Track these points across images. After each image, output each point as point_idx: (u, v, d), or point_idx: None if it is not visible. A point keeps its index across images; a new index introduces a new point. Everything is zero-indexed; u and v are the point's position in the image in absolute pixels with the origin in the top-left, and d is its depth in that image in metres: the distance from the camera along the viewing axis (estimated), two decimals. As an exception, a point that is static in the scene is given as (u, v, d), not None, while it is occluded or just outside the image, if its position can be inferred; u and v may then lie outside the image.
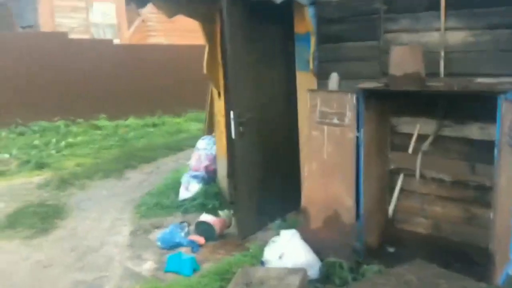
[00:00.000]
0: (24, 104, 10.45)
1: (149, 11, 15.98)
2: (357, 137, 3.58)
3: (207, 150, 5.93)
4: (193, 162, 6.03)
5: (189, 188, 5.79)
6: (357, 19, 3.97)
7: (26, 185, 7.06)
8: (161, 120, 12.41)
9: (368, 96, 3.56)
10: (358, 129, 3.58)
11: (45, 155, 8.55)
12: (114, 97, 11.85)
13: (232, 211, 4.96)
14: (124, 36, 14.54)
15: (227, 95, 4.14)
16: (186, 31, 17.84)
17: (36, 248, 4.77)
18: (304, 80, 4.70)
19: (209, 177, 5.88)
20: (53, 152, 8.85)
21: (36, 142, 9.35)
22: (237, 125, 4.18)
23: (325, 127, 3.79)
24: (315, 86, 4.57)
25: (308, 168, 3.92)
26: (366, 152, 3.61)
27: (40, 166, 7.87)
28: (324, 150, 3.80)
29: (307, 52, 4.60)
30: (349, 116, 3.61)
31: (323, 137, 3.81)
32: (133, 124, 11.72)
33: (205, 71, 5.40)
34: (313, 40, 4.34)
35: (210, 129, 6.42)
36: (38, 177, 7.43)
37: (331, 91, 3.82)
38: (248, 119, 4.27)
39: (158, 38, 16.82)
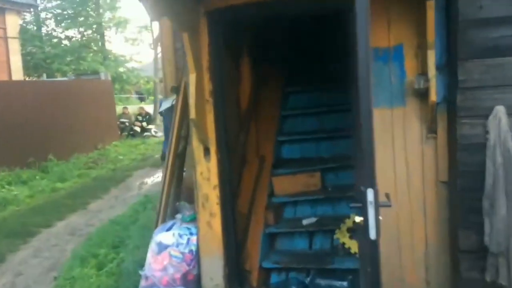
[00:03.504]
0: None
1: None
2: None
3: (181, 247, 3.50)
4: (153, 271, 3.49)
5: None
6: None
7: None
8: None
9: None
10: None
11: None
12: None
13: None
14: None
15: (363, 160, 2.14)
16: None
17: None
18: (388, 122, 2.99)
19: (189, 292, 3.48)
20: None
21: None
22: (378, 214, 2.20)
23: None
24: (415, 130, 2.92)
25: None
26: None
27: None
28: None
29: (399, 77, 2.93)
30: None
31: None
32: None
33: (193, 115, 3.11)
34: (431, 56, 2.69)
35: (166, 211, 3.91)
36: None
37: None
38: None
39: None
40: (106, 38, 20.40)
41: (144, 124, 17.12)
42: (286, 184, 4.37)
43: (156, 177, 9.94)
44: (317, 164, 4.47)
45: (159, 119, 20.53)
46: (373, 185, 2.12)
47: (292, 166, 4.52)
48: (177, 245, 3.51)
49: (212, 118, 3.31)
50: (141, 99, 30.06)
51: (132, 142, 15.31)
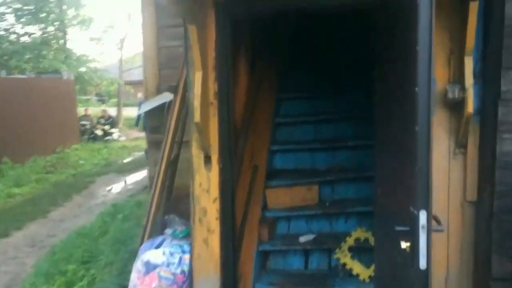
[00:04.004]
0: None
1: None
2: None
3: (172, 267, 3.09)
4: (139, 293, 3.07)
5: None
6: None
7: None
8: None
9: None
10: None
11: None
12: None
13: None
14: None
15: (415, 177, 1.85)
16: None
17: None
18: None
19: (180, 318, 3.07)
20: None
21: None
22: (430, 240, 1.91)
23: None
24: (442, 144, 2.69)
25: None
26: None
27: None
28: None
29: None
30: None
31: None
32: None
33: (197, 119, 2.75)
34: (468, 63, 2.46)
35: (155, 225, 3.47)
36: None
37: None
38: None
39: None
40: (68, 36, 19.50)
41: (107, 127, 16.36)
42: (281, 197, 4.05)
43: (122, 184, 9.41)
44: (313, 176, 4.17)
45: (122, 123, 19.79)
46: (427, 206, 1.83)
47: (287, 178, 4.21)
48: (168, 265, 3.10)
49: (216, 122, 2.95)
50: (102, 101, 29.07)
51: (93, 146, 14.55)
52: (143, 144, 15.76)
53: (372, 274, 3.47)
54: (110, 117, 17.14)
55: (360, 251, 3.65)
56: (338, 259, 3.60)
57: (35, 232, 6.37)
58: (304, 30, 4.90)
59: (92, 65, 19.37)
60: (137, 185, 9.31)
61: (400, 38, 2.01)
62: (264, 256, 3.93)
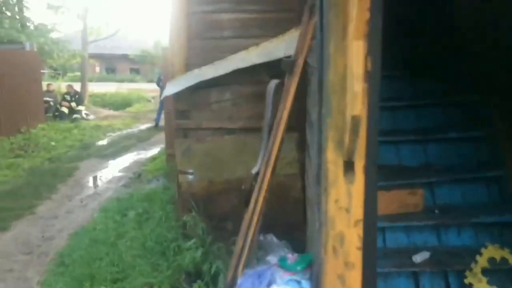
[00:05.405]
0: None
1: None
2: None
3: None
4: None
5: None
6: None
7: None
8: None
9: None
10: None
11: None
12: None
13: None
14: None
15: None
16: None
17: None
18: None
19: None
20: None
21: None
22: None
23: None
24: None
25: None
26: None
27: None
28: None
29: None
30: None
31: None
32: None
33: (357, 110, 1.89)
34: None
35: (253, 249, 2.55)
36: None
37: None
38: None
39: None
40: (24, 3, 17.46)
41: (73, 104, 14.85)
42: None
43: (111, 171, 8.32)
44: (407, 176, 3.41)
45: (87, 100, 18.22)
46: None
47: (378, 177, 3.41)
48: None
49: (365, 115, 2.10)
50: (58, 75, 27.05)
51: (61, 125, 13.12)
52: (117, 123, 14.51)
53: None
54: (76, 92, 15.64)
55: (488, 272, 2.95)
56: (470, 285, 2.88)
57: (25, 233, 5.29)
58: None
59: (52, 35, 17.56)
60: (127, 171, 8.27)
61: None
62: (360, 277, 3.15)
